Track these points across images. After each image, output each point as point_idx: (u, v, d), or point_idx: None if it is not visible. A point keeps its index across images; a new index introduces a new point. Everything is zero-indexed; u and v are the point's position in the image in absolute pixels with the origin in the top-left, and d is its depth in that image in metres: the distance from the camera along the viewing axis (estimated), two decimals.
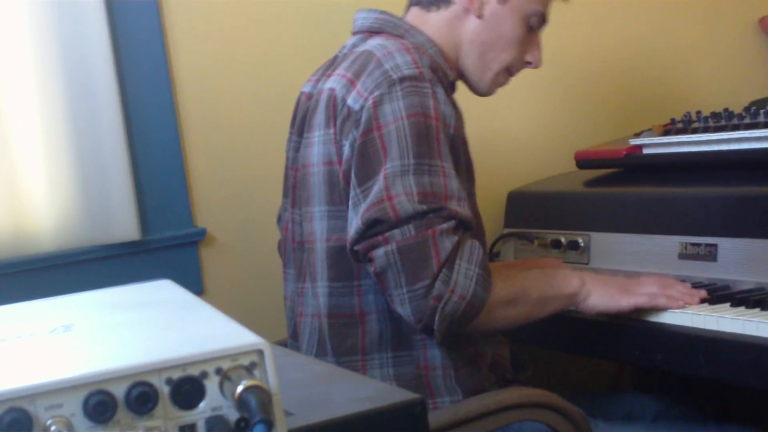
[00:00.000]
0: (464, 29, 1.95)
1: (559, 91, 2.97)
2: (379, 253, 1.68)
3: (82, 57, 2.32)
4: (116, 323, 1.00)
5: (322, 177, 1.83)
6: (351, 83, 1.79)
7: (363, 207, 1.70)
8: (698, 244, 2.00)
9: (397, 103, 1.73)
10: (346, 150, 1.76)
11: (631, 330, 1.91)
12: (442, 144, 1.74)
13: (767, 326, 1.67)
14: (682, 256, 2.03)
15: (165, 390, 0.82)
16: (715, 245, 1.97)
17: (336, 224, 1.81)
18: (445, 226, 1.69)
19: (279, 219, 2.17)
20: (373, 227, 1.69)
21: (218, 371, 0.83)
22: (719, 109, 2.30)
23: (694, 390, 2.51)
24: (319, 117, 1.85)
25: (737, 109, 2.30)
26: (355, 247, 1.72)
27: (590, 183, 2.49)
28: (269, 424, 0.80)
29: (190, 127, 2.51)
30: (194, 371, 0.83)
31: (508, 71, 2.01)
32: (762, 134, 2.07)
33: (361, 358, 1.81)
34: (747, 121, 2.16)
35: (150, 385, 0.82)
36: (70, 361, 0.86)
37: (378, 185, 1.70)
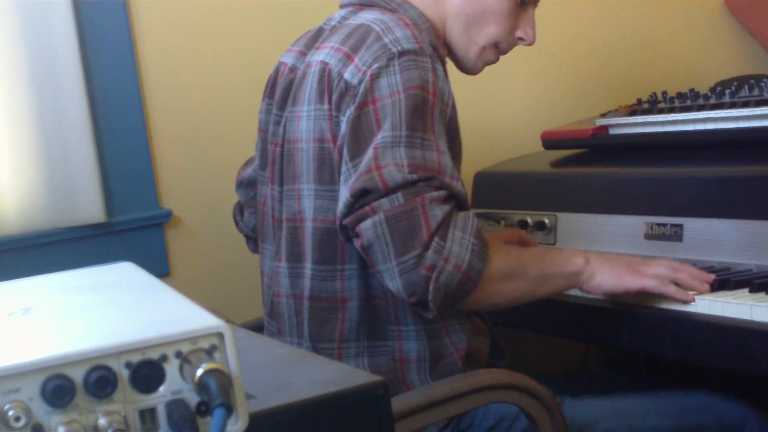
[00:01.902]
0: (449, 2, 1.90)
1: (525, 72, 2.96)
2: (366, 225, 1.62)
3: (46, 38, 2.30)
4: (76, 306, 0.99)
5: (311, 154, 1.78)
6: (348, 57, 1.74)
7: (352, 179, 1.65)
8: (664, 224, 2.00)
9: (394, 77, 1.68)
10: (343, 126, 1.71)
11: (598, 310, 1.92)
12: (437, 120, 1.70)
13: (732, 306, 1.68)
14: (648, 236, 2.04)
15: (124, 374, 0.81)
16: (680, 225, 1.98)
17: (323, 204, 1.77)
18: (435, 194, 1.63)
19: (239, 185, 2.15)
20: (361, 198, 1.63)
21: (178, 354, 0.82)
22: (686, 89, 2.30)
23: (660, 370, 2.53)
24: (309, 91, 1.80)
25: (703, 89, 2.30)
26: (344, 221, 1.66)
27: (557, 163, 2.50)
28: (229, 407, 0.79)
29: (156, 108, 2.49)
30: (154, 354, 0.82)
31: (497, 48, 1.96)
32: (727, 114, 2.08)
33: (338, 345, 1.77)
34: (713, 101, 2.17)
35: (109, 369, 0.81)
36: (27, 345, 0.85)
37: (368, 156, 1.65)
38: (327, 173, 1.76)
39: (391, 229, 1.61)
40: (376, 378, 0.93)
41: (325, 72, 1.77)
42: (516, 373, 1.63)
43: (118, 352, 0.81)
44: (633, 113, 2.33)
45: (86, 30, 2.39)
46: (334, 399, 0.91)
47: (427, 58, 1.72)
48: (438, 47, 1.86)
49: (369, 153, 1.65)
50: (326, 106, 1.75)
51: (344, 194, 1.66)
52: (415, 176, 1.63)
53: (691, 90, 2.28)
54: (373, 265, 1.67)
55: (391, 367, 1.77)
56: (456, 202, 1.68)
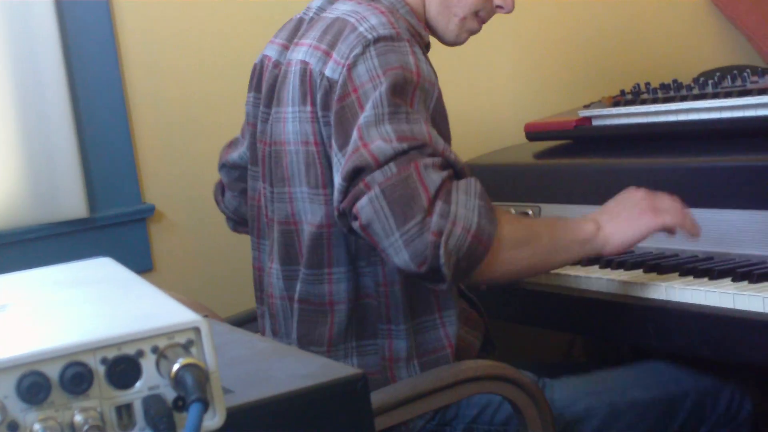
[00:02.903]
0: None
1: (509, 64, 2.96)
2: (362, 202, 1.56)
3: (27, 33, 2.29)
4: (52, 302, 0.99)
5: (302, 157, 1.75)
6: (326, 54, 1.71)
7: (341, 168, 1.60)
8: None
9: (371, 61, 1.64)
10: (333, 125, 1.66)
11: (581, 301, 1.92)
12: (419, 100, 1.65)
13: (715, 295, 1.68)
14: None
15: (100, 370, 0.81)
16: None
17: (314, 208, 1.73)
18: (429, 160, 1.58)
19: (222, 167, 2.13)
20: (353, 179, 1.59)
21: (154, 350, 0.82)
22: (669, 80, 2.30)
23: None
24: (292, 92, 1.77)
25: (687, 80, 2.31)
26: (341, 207, 1.61)
27: (540, 155, 2.50)
28: (205, 402, 0.79)
29: (138, 103, 2.48)
30: (130, 350, 0.81)
31: (478, 17, 1.91)
32: (710, 105, 2.08)
33: (327, 348, 1.74)
34: (695, 92, 2.17)
35: (84, 365, 0.80)
36: (2, 342, 0.84)
37: (353, 139, 1.60)
38: (313, 176, 1.73)
39: (388, 200, 1.55)
40: (356, 371, 0.93)
41: (306, 72, 1.74)
42: (501, 364, 1.63)
43: (94, 348, 0.80)
44: (616, 104, 2.33)
45: (68, 26, 2.38)
46: (313, 392, 0.91)
47: (405, 43, 1.69)
48: (419, 32, 1.82)
49: (354, 135, 1.61)
50: (309, 108, 1.72)
51: (337, 181, 1.62)
52: (405, 145, 1.58)
53: (675, 81, 2.28)
54: (375, 244, 1.60)
55: (380, 366, 1.75)
56: (453, 170, 1.63)
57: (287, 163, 1.78)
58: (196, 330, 0.82)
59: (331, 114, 1.67)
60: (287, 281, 1.82)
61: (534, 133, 2.55)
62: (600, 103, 2.40)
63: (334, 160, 1.65)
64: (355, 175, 1.59)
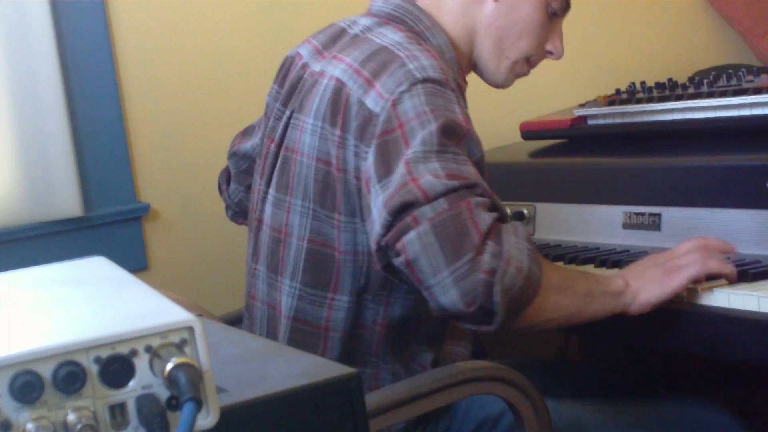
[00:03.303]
0: (480, 14, 1.83)
1: None
2: (409, 237, 1.50)
3: (22, 32, 2.29)
4: (46, 301, 0.99)
5: (313, 173, 1.69)
6: (368, 83, 1.64)
7: (383, 198, 1.54)
8: (642, 214, 2.00)
9: (419, 99, 1.59)
10: (369, 157, 1.60)
11: None
12: (464, 148, 1.60)
13: (710, 294, 1.68)
14: (626, 226, 2.04)
15: (93, 369, 0.81)
16: (658, 215, 1.98)
17: (322, 228, 1.69)
18: (480, 200, 1.53)
19: (232, 155, 2.10)
20: (401, 213, 1.52)
21: (148, 349, 0.82)
22: (664, 79, 2.31)
23: (640, 358, 2.53)
24: (318, 105, 1.71)
25: (682, 79, 2.31)
26: (383, 241, 1.54)
27: (535, 154, 2.50)
28: (199, 401, 0.79)
29: (133, 102, 2.48)
30: (123, 349, 0.81)
31: (528, 61, 1.90)
32: (705, 104, 2.08)
33: None
34: (691, 91, 2.17)
35: (78, 365, 0.80)
36: None
37: (399, 172, 1.54)
38: (329, 199, 1.68)
39: (438, 236, 1.49)
40: (350, 370, 0.93)
41: (341, 93, 1.68)
42: (498, 365, 1.62)
43: (87, 348, 0.80)
44: (611, 103, 2.33)
45: (63, 24, 2.37)
46: (307, 392, 0.91)
47: (451, 92, 1.64)
48: (461, 82, 1.78)
49: (400, 168, 1.55)
50: (337, 131, 1.67)
51: (379, 216, 1.55)
52: (456, 183, 1.52)
53: (670, 80, 2.28)
54: (418, 281, 1.53)
55: (365, 392, 1.72)
56: (499, 214, 1.58)
57: (295, 173, 1.74)
58: (190, 329, 0.82)
59: (367, 146, 1.62)
60: (269, 288, 1.80)
61: (529, 132, 2.54)
62: (595, 102, 2.40)
63: (372, 191, 1.59)
64: (403, 209, 1.52)
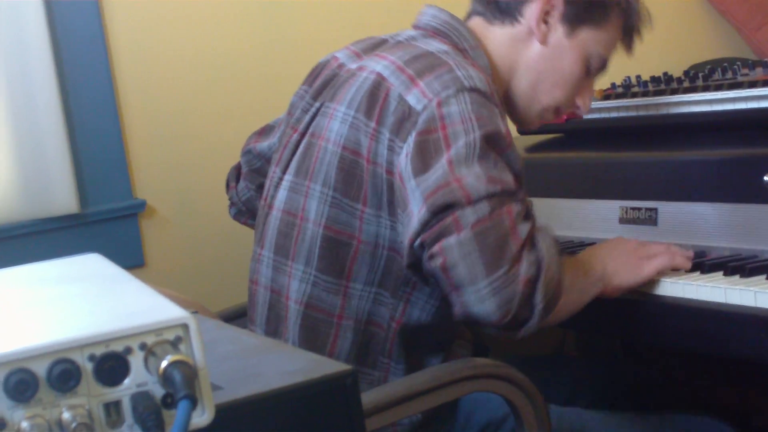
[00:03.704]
0: (524, 52, 1.85)
1: None
2: (449, 242, 1.51)
3: (17, 28, 2.29)
4: (40, 299, 0.98)
5: (337, 161, 1.69)
6: (411, 80, 1.65)
7: (422, 193, 1.55)
8: (639, 209, 2.00)
9: (465, 106, 1.59)
10: (402, 152, 1.61)
11: None
12: (506, 159, 1.62)
13: (706, 289, 1.68)
14: (623, 221, 2.04)
15: (88, 367, 0.80)
16: (655, 209, 1.98)
17: (340, 216, 1.68)
18: (519, 206, 1.57)
19: (247, 152, 2.08)
20: (441, 212, 1.53)
21: (142, 347, 0.81)
22: (659, 73, 2.30)
23: (637, 354, 2.53)
24: (354, 96, 1.71)
25: (677, 73, 2.30)
26: (420, 238, 1.55)
27: (531, 149, 2.49)
28: (194, 399, 0.78)
29: (129, 99, 2.48)
30: (118, 347, 0.81)
31: (557, 110, 1.92)
32: (700, 98, 2.08)
33: None
34: (686, 85, 2.17)
35: (72, 362, 0.80)
36: None
37: (441, 170, 1.55)
38: (354, 189, 1.68)
39: (479, 246, 1.51)
40: (345, 367, 0.92)
41: (381, 87, 1.68)
42: (497, 362, 1.62)
43: (82, 345, 0.80)
44: (607, 97, 2.33)
45: (58, 21, 2.37)
46: (303, 389, 0.90)
47: (496, 107, 1.65)
48: (499, 96, 1.77)
49: (443, 166, 1.56)
50: (373, 124, 1.66)
51: (417, 212, 1.56)
52: (498, 188, 1.55)
53: (665, 74, 2.28)
54: (452, 287, 1.55)
55: None
56: (534, 221, 1.62)
57: (318, 159, 1.73)
58: (185, 326, 0.82)
59: (402, 141, 1.62)
60: (275, 272, 1.79)
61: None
62: None
63: (408, 185, 1.59)
64: (444, 209, 1.54)
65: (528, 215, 1.60)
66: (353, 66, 1.80)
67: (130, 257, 2.45)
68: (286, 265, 1.77)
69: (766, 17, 3.15)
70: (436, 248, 1.54)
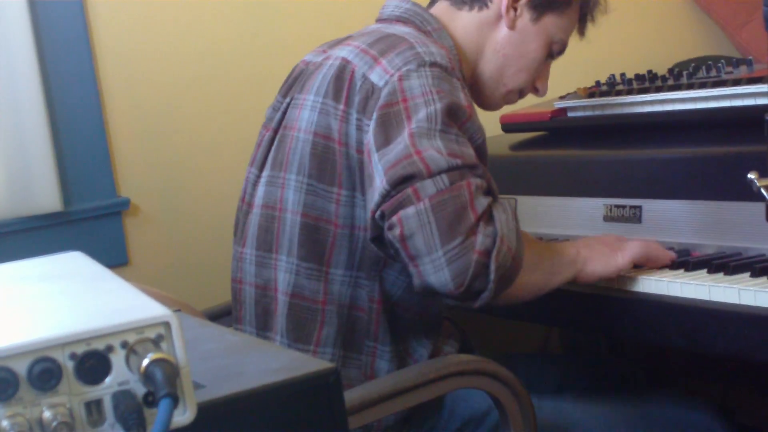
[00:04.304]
0: (491, 36, 1.89)
1: None
2: (408, 212, 1.54)
3: (0, 26, 2.27)
4: (20, 297, 0.98)
5: (310, 147, 1.71)
6: (375, 60, 1.69)
7: (383, 168, 1.58)
8: (623, 206, 2.00)
9: (426, 79, 1.63)
10: (369, 129, 1.64)
11: (557, 293, 1.92)
12: (466, 131, 1.65)
13: (691, 287, 1.69)
14: (607, 218, 2.04)
15: (69, 365, 0.80)
16: (639, 207, 1.98)
17: (317, 202, 1.70)
18: (479, 181, 1.59)
19: None
20: (401, 184, 1.56)
21: (124, 345, 0.81)
22: (644, 71, 2.31)
23: (621, 351, 2.54)
24: (322, 83, 1.74)
25: (662, 71, 2.31)
26: (381, 208, 1.58)
27: (516, 146, 2.49)
28: (175, 397, 0.78)
29: (112, 96, 2.47)
30: (99, 345, 0.80)
31: (520, 92, 1.97)
32: (684, 96, 2.08)
33: (314, 349, 1.72)
34: (671, 83, 2.17)
35: (53, 361, 0.79)
36: None
37: (403, 143, 1.58)
38: (328, 173, 1.70)
39: (437, 216, 1.54)
40: (328, 365, 0.92)
41: (346, 70, 1.71)
42: (484, 359, 1.63)
43: (63, 344, 0.79)
44: (591, 95, 2.33)
45: (41, 18, 2.36)
46: (285, 387, 0.90)
47: (457, 80, 1.69)
48: (465, 79, 1.82)
49: (405, 139, 1.59)
50: (341, 106, 1.69)
51: (378, 184, 1.58)
52: (459, 161, 1.58)
53: (649, 72, 2.28)
54: (410, 258, 1.57)
55: (361, 381, 1.71)
56: (494, 197, 1.64)
57: (290, 148, 1.76)
58: (166, 324, 0.82)
59: (368, 119, 1.65)
60: (259, 268, 1.80)
61: (509, 125, 2.54)
62: (575, 95, 2.40)
63: (373, 159, 1.62)
64: (404, 181, 1.56)
65: (488, 191, 1.62)
66: (319, 59, 1.84)
67: (114, 255, 2.44)
68: (270, 258, 1.78)
69: (749, 15, 3.16)
70: (394, 218, 1.56)
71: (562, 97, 2.42)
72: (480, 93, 1.94)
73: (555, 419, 1.81)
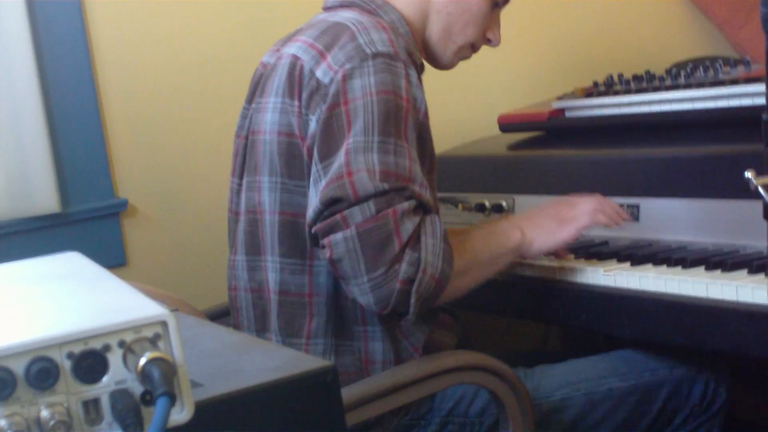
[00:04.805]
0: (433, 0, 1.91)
1: (481, 55, 2.95)
2: (337, 238, 1.61)
3: None
4: (18, 297, 0.98)
5: (276, 147, 1.76)
6: (321, 55, 1.72)
7: (322, 184, 1.64)
8: (621, 205, 2.00)
9: (367, 79, 1.67)
10: (312, 125, 1.69)
11: (555, 291, 1.92)
12: (410, 128, 1.69)
13: (688, 284, 1.69)
14: None
15: (66, 365, 0.80)
16: (637, 205, 1.99)
17: (291, 198, 1.75)
18: (406, 205, 1.63)
19: None
20: (331, 206, 1.62)
21: (121, 344, 0.81)
22: (641, 71, 2.31)
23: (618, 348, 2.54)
24: (278, 83, 1.78)
25: (659, 71, 2.31)
26: (313, 229, 1.65)
27: (513, 146, 2.50)
28: (172, 396, 0.78)
29: (110, 96, 2.46)
30: (96, 345, 0.80)
31: (473, 46, 1.98)
32: (682, 96, 2.09)
33: (306, 341, 1.75)
34: (668, 83, 2.18)
35: (50, 360, 0.79)
36: None
37: (338, 161, 1.63)
38: (296, 169, 1.74)
39: (362, 244, 1.60)
40: (326, 363, 0.92)
41: (296, 67, 1.75)
42: (481, 354, 1.64)
43: (60, 343, 0.79)
44: (589, 95, 2.34)
45: (40, 20, 2.36)
46: (283, 385, 0.90)
47: (401, 63, 1.71)
48: (414, 53, 1.84)
49: (340, 157, 1.63)
50: (296, 102, 1.73)
51: (314, 200, 1.65)
52: (386, 185, 1.62)
53: (647, 72, 2.29)
54: (341, 278, 1.66)
55: (356, 367, 1.75)
56: (423, 210, 1.68)
57: (260, 152, 1.80)
58: (163, 324, 0.82)
59: (312, 116, 1.70)
60: (251, 272, 1.83)
61: (507, 125, 2.55)
62: (573, 95, 2.41)
63: (313, 168, 1.68)
64: (334, 203, 1.62)
65: (419, 207, 1.66)
66: (273, 60, 1.87)
67: (112, 256, 2.44)
68: (260, 260, 1.81)
69: (747, 16, 3.16)
70: (325, 241, 1.63)
71: (560, 98, 2.43)
72: (433, 55, 1.96)
73: (541, 384, 1.84)
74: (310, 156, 1.70)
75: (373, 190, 1.61)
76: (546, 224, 1.85)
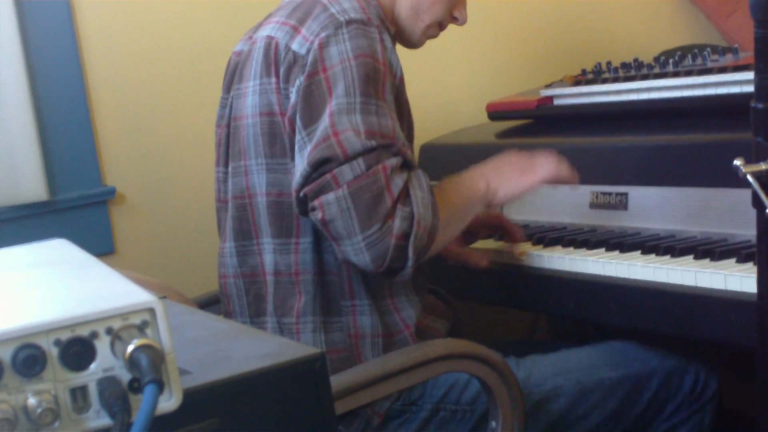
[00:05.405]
0: None
1: (469, 43, 2.95)
2: (329, 198, 1.62)
3: None
4: (4, 284, 0.97)
5: (259, 128, 1.77)
6: (294, 29, 1.75)
7: (308, 148, 1.65)
8: (609, 193, 2.01)
9: (344, 45, 1.69)
10: (293, 96, 1.71)
11: (544, 280, 1.92)
12: (387, 91, 1.71)
13: (677, 273, 1.69)
14: (594, 206, 2.05)
15: (53, 352, 0.79)
16: (625, 194, 1.99)
17: (276, 178, 1.76)
18: (394, 161, 1.65)
19: None
20: (320, 167, 1.63)
21: (109, 331, 0.80)
22: (630, 59, 2.31)
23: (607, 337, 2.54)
24: (255, 66, 1.80)
25: (648, 59, 2.31)
26: (303, 192, 1.66)
27: (502, 134, 2.50)
28: (160, 384, 0.78)
29: (97, 83, 2.45)
30: (83, 332, 0.80)
31: (440, 25, 1.99)
32: (670, 83, 2.09)
33: (296, 321, 1.77)
34: (656, 71, 2.18)
35: (37, 347, 0.79)
36: None
37: (323, 124, 1.65)
38: (279, 147, 1.75)
39: (355, 202, 1.61)
40: (314, 350, 0.92)
41: (271, 46, 1.77)
42: (471, 342, 1.64)
43: (47, 330, 0.79)
44: (577, 83, 2.34)
45: (26, 8, 2.34)
46: (271, 373, 0.90)
47: (375, 29, 1.73)
48: (385, 21, 1.85)
49: (325, 120, 1.65)
50: (273, 79, 1.75)
51: (301, 164, 1.66)
52: (374, 142, 1.64)
53: (636, 60, 2.29)
54: (334, 239, 1.66)
55: (346, 343, 1.76)
56: (409, 168, 1.70)
57: (244, 136, 1.81)
58: (151, 311, 0.81)
59: (292, 88, 1.71)
60: (241, 257, 1.84)
61: (496, 113, 2.54)
62: (561, 83, 2.40)
63: (297, 137, 1.69)
64: (323, 163, 1.63)
65: (405, 164, 1.68)
66: (247, 47, 1.88)
67: (100, 244, 2.44)
68: (252, 245, 1.82)
69: (735, 4, 3.16)
70: (316, 202, 1.64)
71: (548, 85, 2.43)
72: (402, 34, 1.97)
73: (532, 373, 1.84)
74: (293, 127, 1.71)
75: (361, 147, 1.63)
76: (509, 172, 1.88)
